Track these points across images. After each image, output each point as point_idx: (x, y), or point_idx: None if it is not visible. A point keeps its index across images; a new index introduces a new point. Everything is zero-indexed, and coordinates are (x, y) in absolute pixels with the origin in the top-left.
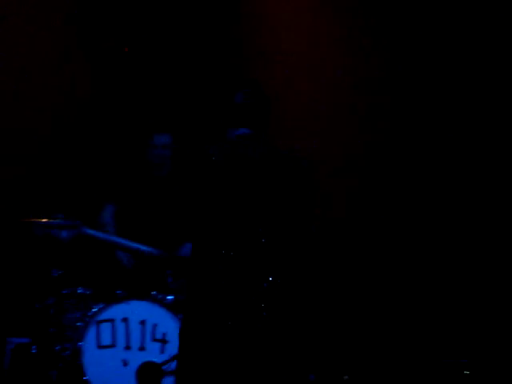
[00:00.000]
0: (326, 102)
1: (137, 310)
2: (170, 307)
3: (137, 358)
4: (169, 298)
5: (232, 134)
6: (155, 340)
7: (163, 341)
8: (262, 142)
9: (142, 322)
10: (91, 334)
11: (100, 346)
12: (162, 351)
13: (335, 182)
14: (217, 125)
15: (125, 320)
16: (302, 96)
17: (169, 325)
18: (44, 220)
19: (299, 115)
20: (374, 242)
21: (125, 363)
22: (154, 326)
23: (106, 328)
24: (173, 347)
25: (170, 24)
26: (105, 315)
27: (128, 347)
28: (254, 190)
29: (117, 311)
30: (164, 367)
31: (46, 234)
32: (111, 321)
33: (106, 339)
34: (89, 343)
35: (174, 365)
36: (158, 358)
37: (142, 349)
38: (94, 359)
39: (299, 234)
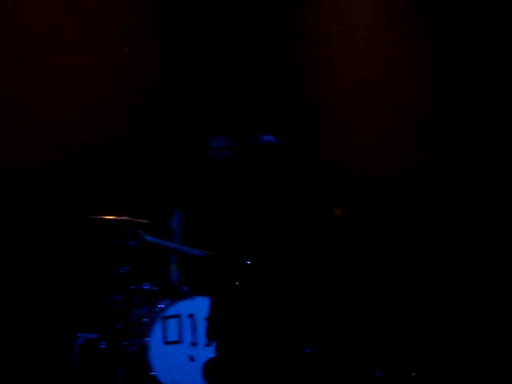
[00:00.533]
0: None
1: (202, 306)
2: None
3: (203, 354)
4: None
5: (258, 140)
6: None
7: None
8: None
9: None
10: (157, 329)
11: (166, 342)
12: None
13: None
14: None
15: (191, 316)
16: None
17: None
18: (111, 217)
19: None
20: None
21: (191, 359)
22: None
23: (172, 324)
24: None
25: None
26: (171, 311)
27: (194, 343)
28: (284, 197)
29: (183, 307)
30: None
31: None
32: (177, 317)
33: (173, 335)
34: (155, 339)
35: None
36: None
37: (208, 345)
38: (160, 355)
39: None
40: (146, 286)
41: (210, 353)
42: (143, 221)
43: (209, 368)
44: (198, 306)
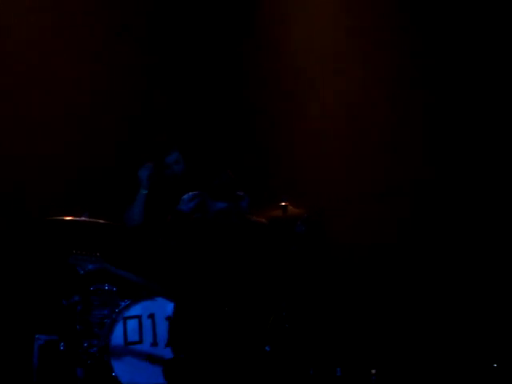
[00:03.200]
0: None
1: (163, 307)
2: None
3: (163, 354)
4: None
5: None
6: None
7: None
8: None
9: (169, 318)
10: (118, 330)
11: (127, 343)
12: None
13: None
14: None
15: (151, 316)
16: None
17: None
18: (69, 218)
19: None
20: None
21: (151, 359)
22: None
23: (132, 324)
24: None
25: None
26: (131, 311)
27: (155, 343)
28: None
29: (143, 308)
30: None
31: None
32: (138, 317)
33: (133, 335)
34: (116, 340)
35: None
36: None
37: (168, 345)
38: (121, 356)
39: None
40: (105, 287)
41: (170, 353)
42: (102, 221)
43: (169, 368)
44: (159, 307)
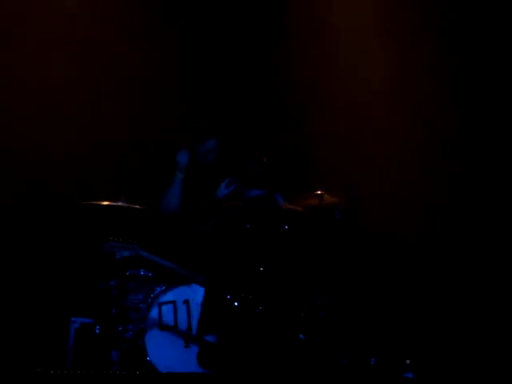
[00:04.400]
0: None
1: (198, 293)
2: None
3: (198, 340)
4: None
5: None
6: None
7: None
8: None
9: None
10: (153, 315)
11: (162, 328)
12: None
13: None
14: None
15: (186, 302)
16: None
17: None
18: (106, 203)
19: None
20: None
21: (186, 345)
22: None
23: (167, 310)
24: None
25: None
26: (166, 297)
27: (189, 329)
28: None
29: (178, 293)
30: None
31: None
32: (173, 302)
33: (168, 321)
34: (151, 325)
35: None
36: None
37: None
38: (156, 340)
39: None
40: (141, 272)
41: (205, 339)
42: (138, 206)
43: (203, 354)
44: (194, 292)
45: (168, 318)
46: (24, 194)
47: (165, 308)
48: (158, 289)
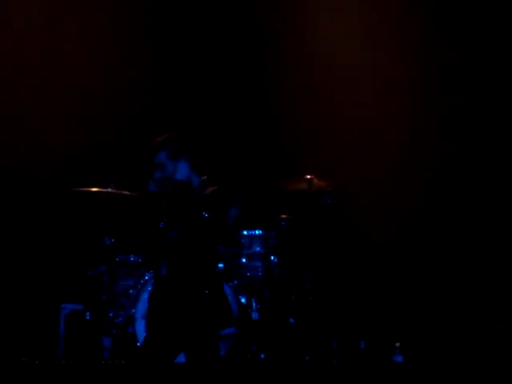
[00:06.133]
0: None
1: None
2: (221, 275)
3: None
4: (220, 265)
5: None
6: None
7: None
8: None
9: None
10: (143, 301)
11: None
12: None
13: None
14: None
15: None
16: None
17: None
18: (95, 189)
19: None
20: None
21: None
22: None
23: None
24: None
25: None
26: None
27: None
28: None
29: None
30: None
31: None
32: None
33: None
34: (141, 310)
35: (228, 330)
36: None
37: None
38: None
39: None
40: (131, 258)
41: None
42: (127, 192)
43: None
44: None
45: None
46: (12, 181)
47: None
48: (148, 275)
